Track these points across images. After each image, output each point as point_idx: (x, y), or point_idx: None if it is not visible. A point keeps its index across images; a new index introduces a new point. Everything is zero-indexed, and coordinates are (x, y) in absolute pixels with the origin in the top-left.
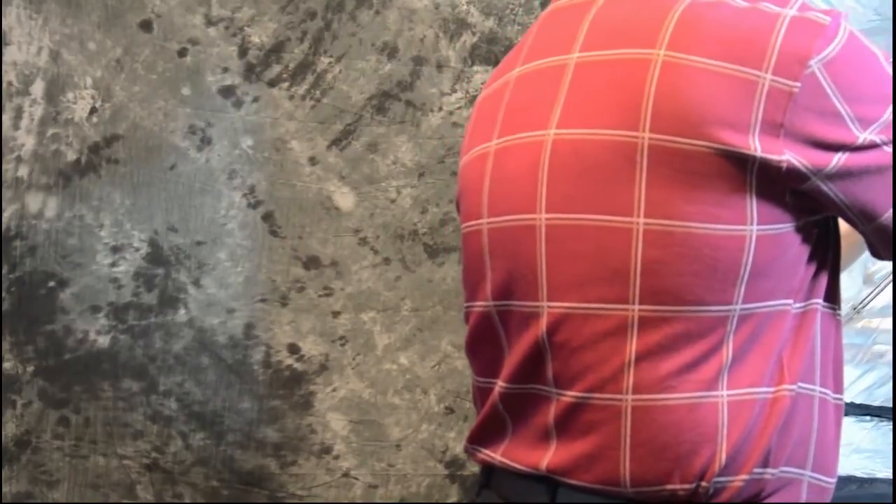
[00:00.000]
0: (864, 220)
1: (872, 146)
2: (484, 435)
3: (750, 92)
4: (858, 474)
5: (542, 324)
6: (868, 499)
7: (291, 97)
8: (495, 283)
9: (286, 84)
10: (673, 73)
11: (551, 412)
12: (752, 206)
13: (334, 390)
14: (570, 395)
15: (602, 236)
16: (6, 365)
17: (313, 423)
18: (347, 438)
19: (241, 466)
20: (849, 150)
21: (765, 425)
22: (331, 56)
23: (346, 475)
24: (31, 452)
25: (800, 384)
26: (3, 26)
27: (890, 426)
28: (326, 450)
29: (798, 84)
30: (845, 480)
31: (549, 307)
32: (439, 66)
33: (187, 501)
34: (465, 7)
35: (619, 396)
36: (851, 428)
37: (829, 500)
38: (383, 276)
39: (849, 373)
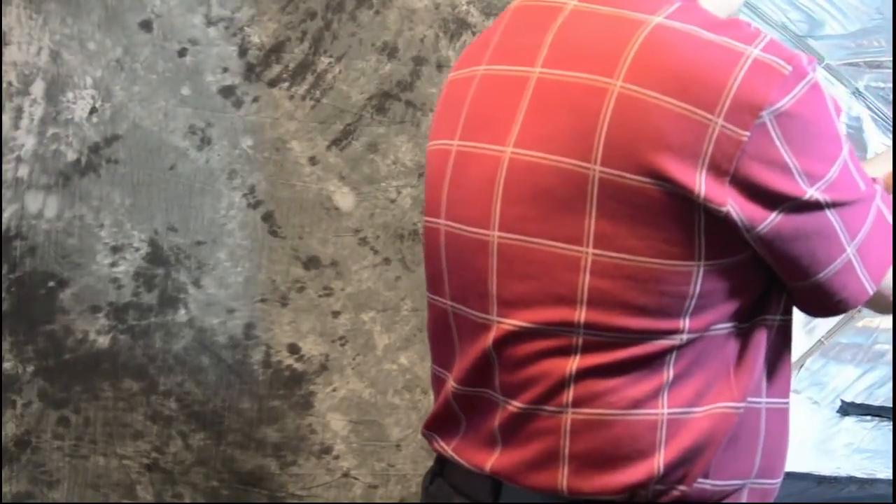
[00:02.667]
0: (792, 277)
1: (816, 207)
2: (439, 425)
3: (700, 134)
4: (859, 474)
5: (491, 336)
6: (868, 499)
7: (291, 97)
8: (451, 286)
9: (286, 84)
10: (627, 106)
11: (497, 418)
12: (701, 243)
13: (334, 390)
14: (514, 405)
15: (551, 261)
16: (6, 365)
17: (313, 423)
18: (347, 438)
19: (241, 466)
20: (789, 208)
21: (707, 442)
22: (331, 56)
23: (346, 475)
24: (31, 452)
25: (748, 400)
26: (3, 26)
27: (890, 426)
28: (326, 450)
29: (747, 133)
30: (845, 480)
31: (498, 322)
32: (439, 66)
33: (187, 501)
34: (465, 7)
35: (559, 409)
36: (852, 428)
37: (771, 500)
38: (383, 276)
39: (849, 372)
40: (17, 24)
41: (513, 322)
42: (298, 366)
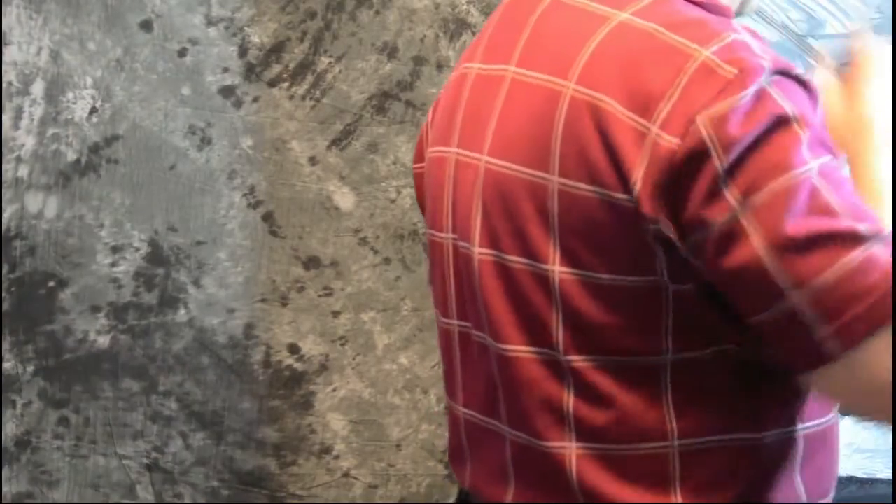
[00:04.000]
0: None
1: (741, 234)
2: (453, 454)
3: (639, 143)
4: (859, 474)
5: (493, 360)
6: (868, 499)
7: (291, 97)
8: (458, 302)
9: (286, 84)
10: (578, 110)
11: (507, 451)
12: (661, 260)
13: (334, 390)
14: (520, 437)
15: (524, 281)
16: (6, 365)
17: (313, 423)
18: (347, 438)
19: (241, 466)
20: (710, 230)
21: (729, 477)
22: (331, 56)
23: (346, 475)
24: (31, 452)
25: (781, 430)
26: (3, 26)
27: (890, 426)
28: (326, 450)
29: (677, 140)
30: (846, 481)
31: (494, 346)
32: (439, 66)
33: (187, 501)
34: (465, 7)
35: (562, 444)
36: (852, 428)
37: None
38: (383, 276)
39: None
40: (17, 24)
41: (506, 346)
42: (298, 366)
